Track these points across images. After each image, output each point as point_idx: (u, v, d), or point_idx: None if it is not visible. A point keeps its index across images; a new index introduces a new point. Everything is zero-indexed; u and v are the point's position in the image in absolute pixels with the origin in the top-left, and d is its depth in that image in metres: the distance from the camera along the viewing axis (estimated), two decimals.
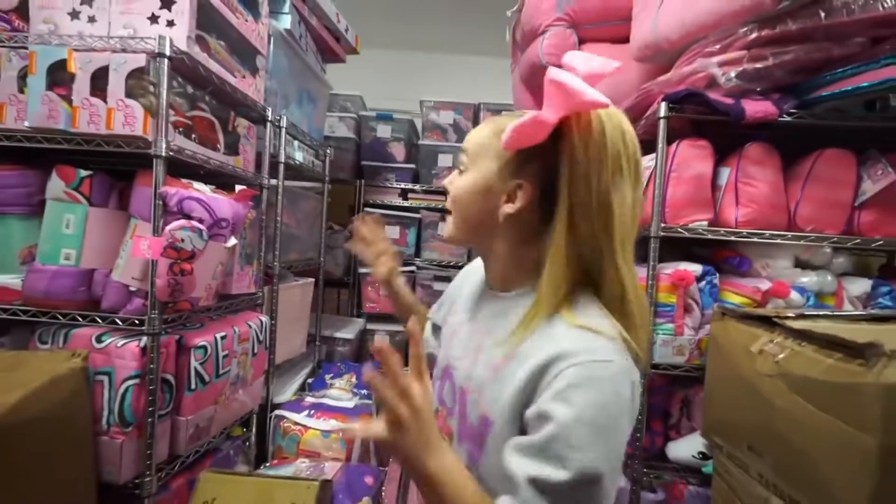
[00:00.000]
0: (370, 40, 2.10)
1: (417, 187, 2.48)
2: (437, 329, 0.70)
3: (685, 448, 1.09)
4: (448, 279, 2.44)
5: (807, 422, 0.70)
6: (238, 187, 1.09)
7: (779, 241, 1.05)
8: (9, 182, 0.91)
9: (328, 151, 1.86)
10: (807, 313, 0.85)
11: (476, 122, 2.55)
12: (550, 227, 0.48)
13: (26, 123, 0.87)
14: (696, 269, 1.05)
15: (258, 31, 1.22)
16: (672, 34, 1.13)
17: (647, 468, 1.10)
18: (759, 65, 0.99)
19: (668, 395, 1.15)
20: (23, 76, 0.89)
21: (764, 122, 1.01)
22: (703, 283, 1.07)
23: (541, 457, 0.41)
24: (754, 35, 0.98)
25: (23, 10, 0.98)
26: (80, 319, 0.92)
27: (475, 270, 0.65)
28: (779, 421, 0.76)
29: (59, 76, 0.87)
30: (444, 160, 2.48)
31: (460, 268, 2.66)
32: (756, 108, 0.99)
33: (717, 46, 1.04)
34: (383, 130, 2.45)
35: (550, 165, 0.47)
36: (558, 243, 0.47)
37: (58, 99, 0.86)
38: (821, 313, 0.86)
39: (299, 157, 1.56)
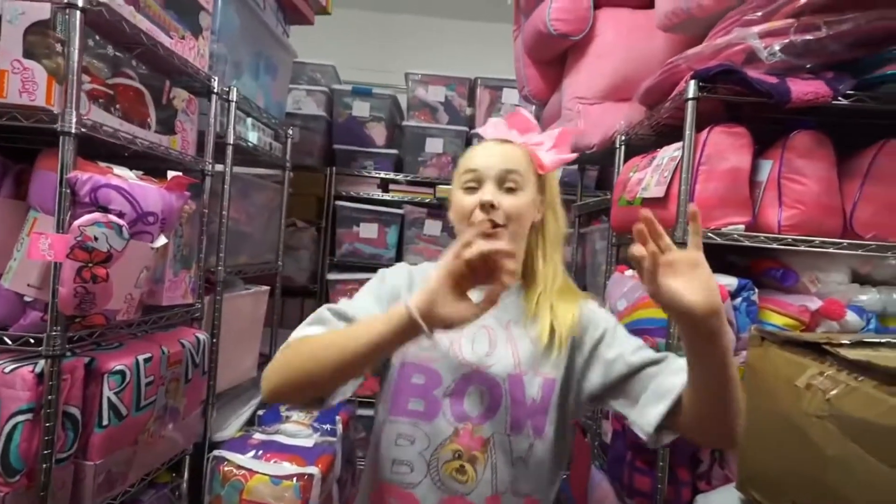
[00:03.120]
0: None
1: (400, 177, 2.46)
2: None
3: (719, 503, 1.06)
4: None
5: (865, 475, 0.67)
6: (171, 173, 1.05)
7: (831, 249, 1.03)
8: None
9: (290, 132, 1.82)
10: (866, 339, 0.83)
11: (472, 100, 2.53)
12: (545, 231, 0.79)
13: None
14: (729, 282, 1.03)
15: None
16: None
17: None
18: (809, 36, 0.97)
19: None
20: None
21: (814, 106, 0.99)
22: (739, 299, 1.04)
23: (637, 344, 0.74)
24: (805, 0, 0.96)
25: None
26: None
27: (418, 274, 0.79)
28: (831, 473, 0.73)
29: None
30: (433, 145, 2.45)
31: None
32: (805, 88, 0.97)
33: (760, 14, 1.02)
34: (360, 108, 2.42)
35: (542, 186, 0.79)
36: (555, 242, 0.79)
37: None
38: (883, 340, 0.83)
39: (253, 137, 1.52)
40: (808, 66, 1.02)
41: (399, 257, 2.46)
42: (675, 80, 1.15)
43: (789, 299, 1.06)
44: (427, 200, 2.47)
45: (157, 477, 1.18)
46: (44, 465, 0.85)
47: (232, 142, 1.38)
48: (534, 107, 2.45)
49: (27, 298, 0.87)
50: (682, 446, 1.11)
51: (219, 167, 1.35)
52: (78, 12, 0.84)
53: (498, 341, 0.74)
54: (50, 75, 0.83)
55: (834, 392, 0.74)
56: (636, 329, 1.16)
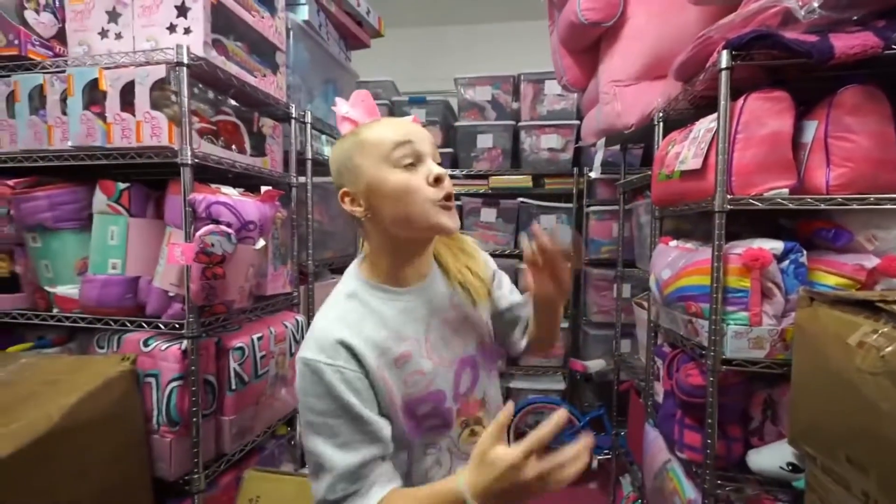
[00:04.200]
0: (395, 20, 2.11)
1: (457, 172, 2.47)
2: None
3: (770, 457, 0.99)
4: None
5: None
6: (263, 188, 1.16)
7: (889, 205, 0.90)
8: (62, 199, 1.05)
9: None
10: None
11: (516, 95, 2.47)
12: None
13: (70, 143, 0.99)
14: (775, 246, 0.94)
15: (275, 27, 1.28)
16: None
17: (723, 479, 1.01)
18: None
19: (746, 394, 1.04)
20: (64, 99, 1.01)
21: (865, 59, 0.86)
22: (787, 262, 0.95)
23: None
24: None
25: (61, 36, 1.10)
26: (129, 325, 1.04)
27: (368, 331, 0.62)
28: (886, 428, 0.65)
29: (94, 95, 0.98)
30: (484, 141, 2.44)
31: (507, 256, 2.55)
32: (850, 42, 0.85)
33: None
34: (417, 114, 2.45)
35: None
36: None
37: (94, 117, 0.97)
38: None
39: (328, 151, 1.61)
40: (854, 17, 0.88)
41: None
42: (709, 52, 1.05)
43: (843, 259, 0.94)
44: (482, 191, 2.48)
45: (276, 429, 1.33)
46: (194, 420, 1.00)
47: (310, 157, 1.48)
48: (575, 94, 2.36)
49: (171, 294, 1.02)
50: (732, 405, 1.05)
51: (302, 179, 1.46)
52: (184, 68, 0.95)
53: (459, 326, 0.70)
54: (170, 121, 0.95)
55: (889, 349, 0.66)
56: (682, 295, 1.10)
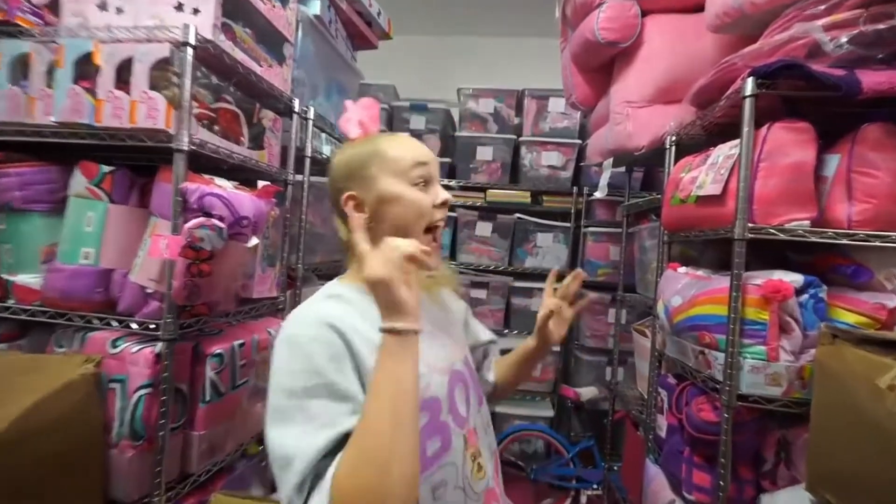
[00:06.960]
0: (403, 25, 2.11)
1: (454, 183, 2.46)
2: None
3: (787, 503, 0.96)
4: (486, 285, 2.38)
5: None
6: (261, 183, 1.11)
7: None
8: (31, 179, 0.97)
9: None
10: None
11: (519, 110, 2.49)
12: None
13: (52, 118, 0.93)
14: (795, 279, 0.93)
15: (286, 18, 1.25)
16: None
17: None
18: (881, 25, 0.86)
19: (759, 434, 1.02)
20: (51, 71, 0.94)
21: (885, 97, 0.88)
22: (805, 296, 0.94)
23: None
24: None
25: (54, 6, 1.05)
26: (97, 322, 0.96)
27: (352, 319, 0.58)
28: None
29: (86, 70, 0.92)
30: (484, 153, 2.45)
31: (500, 272, 2.54)
32: (877, 78, 0.87)
33: (823, 7, 0.92)
34: (417, 122, 2.45)
35: None
36: None
37: (82, 92, 0.91)
38: None
39: (327, 150, 1.57)
40: (879, 55, 0.91)
41: (453, 256, 2.47)
42: (730, 78, 1.07)
43: (862, 297, 0.94)
44: (478, 204, 2.47)
45: (248, 448, 1.24)
46: (160, 434, 0.92)
47: (309, 154, 1.44)
48: (578, 114, 2.39)
49: (148, 290, 0.95)
50: (743, 444, 1.02)
51: (298, 177, 1.41)
52: (190, 49, 0.90)
53: (446, 337, 0.70)
54: (168, 103, 0.90)
55: None
56: (695, 324, 1.08)
